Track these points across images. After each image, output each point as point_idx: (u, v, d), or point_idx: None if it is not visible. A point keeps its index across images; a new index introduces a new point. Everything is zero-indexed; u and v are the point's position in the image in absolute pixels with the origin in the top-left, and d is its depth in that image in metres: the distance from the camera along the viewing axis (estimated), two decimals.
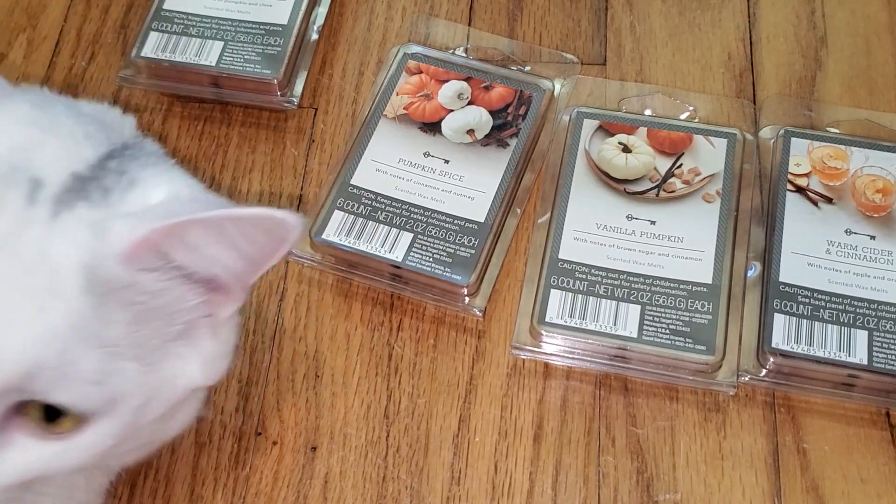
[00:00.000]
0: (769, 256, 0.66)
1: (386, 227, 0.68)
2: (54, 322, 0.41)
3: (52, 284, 0.41)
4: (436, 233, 0.67)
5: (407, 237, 0.67)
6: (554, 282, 0.66)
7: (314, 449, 0.63)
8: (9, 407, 0.42)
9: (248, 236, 0.44)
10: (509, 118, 0.73)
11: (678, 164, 0.70)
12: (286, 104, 0.76)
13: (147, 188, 0.46)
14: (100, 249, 0.42)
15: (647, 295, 0.65)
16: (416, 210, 0.68)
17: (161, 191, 0.46)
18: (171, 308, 0.45)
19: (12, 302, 0.41)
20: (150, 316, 0.44)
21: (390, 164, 0.71)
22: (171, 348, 0.46)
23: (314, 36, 0.79)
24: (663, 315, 0.64)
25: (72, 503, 0.53)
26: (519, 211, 0.70)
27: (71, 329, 0.41)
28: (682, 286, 0.65)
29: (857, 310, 0.63)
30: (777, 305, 0.64)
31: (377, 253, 0.67)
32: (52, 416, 0.43)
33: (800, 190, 0.69)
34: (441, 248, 0.67)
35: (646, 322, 0.63)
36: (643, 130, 0.72)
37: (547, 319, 0.64)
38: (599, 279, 0.65)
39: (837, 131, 0.72)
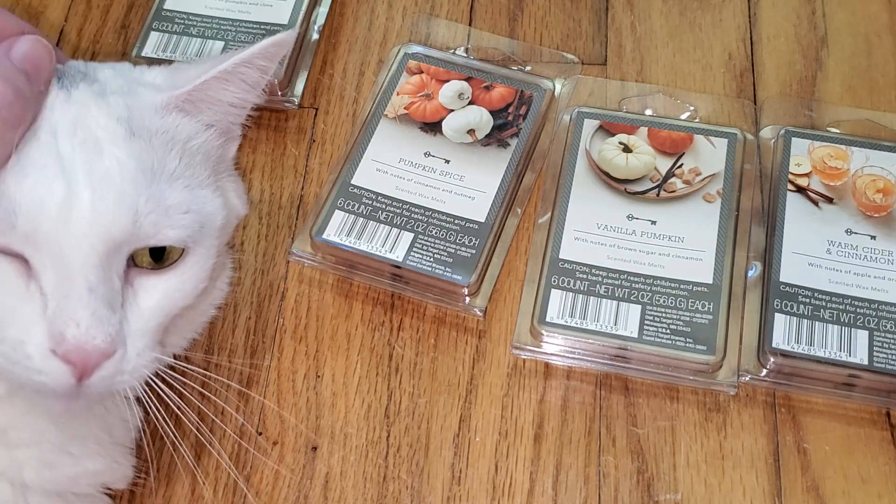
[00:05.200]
0: (770, 256, 0.66)
1: (386, 226, 0.68)
2: (125, 167, 0.47)
3: (102, 139, 0.48)
4: (436, 233, 0.67)
5: (407, 237, 0.67)
6: (554, 282, 0.66)
7: (315, 449, 0.63)
8: (126, 260, 0.48)
9: (256, 67, 0.52)
10: (510, 118, 0.73)
11: (679, 163, 0.70)
12: (287, 104, 0.76)
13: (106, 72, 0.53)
14: (129, 104, 0.49)
15: (647, 295, 0.65)
16: (416, 210, 0.68)
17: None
18: (203, 148, 0.52)
19: (82, 174, 0.46)
20: (192, 153, 0.51)
21: (391, 163, 0.71)
22: (217, 182, 0.54)
23: (315, 36, 0.79)
24: (664, 315, 0.64)
25: None
26: (519, 211, 0.70)
27: (140, 168, 0.48)
28: (682, 286, 0.65)
29: (858, 310, 0.63)
30: (778, 305, 0.64)
31: (378, 253, 0.67)
32: (157, 257, 0.49)
33: (800, 190, 0.69)
34: (442, 247, 0.67)
35: (646, 322, 0.63)
36: (644, 130, 0.72)
37: (547, 319, 0.64)
38: (600, 279, 0.65)
39: (838, 131, 0.72)
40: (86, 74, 0.51)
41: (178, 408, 0.53)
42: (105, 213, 0.46)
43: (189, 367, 0.54)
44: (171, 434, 0.53)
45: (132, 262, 0.49)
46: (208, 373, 0.61)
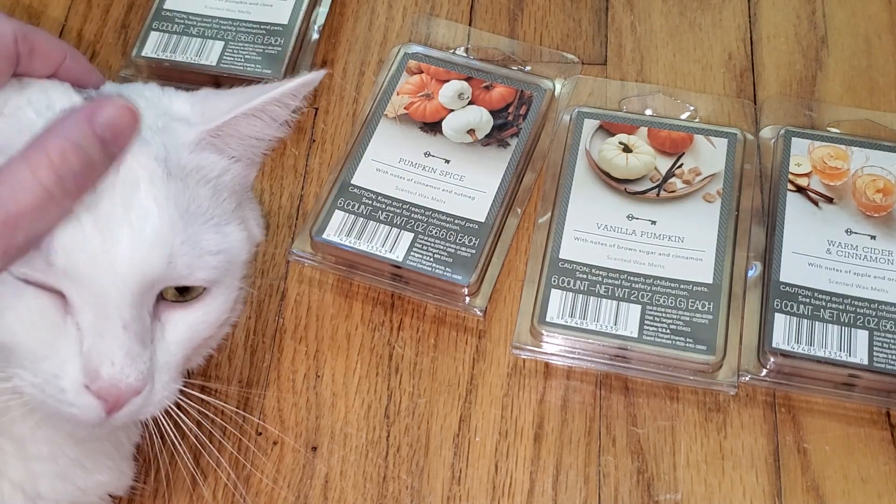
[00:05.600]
0: (770, 256, 0.66)
1: (386, 226, 0.68)
2: (163, 209, 0.47)
3: (140, 179, 0.47)
4: (436, 233, 0.67)
5: (407, 237, 0.67)
6: (554, 282, 0.66)
7: (315, 449, 0.63)
8: (156, 298, 0.49)
9: (284, 105, 0.52)
10: (510, 118, 0.73)
11: (679, 163, 0.70)
12: None
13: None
14: (166, 142, 0.48)
15: (647, 295, 0.65)
16: (416, 210, 0.68)
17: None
18: (230, 182, 0.52)
19: (120, 212, 0.46)
20: (221, 189, 0.51)
21: (391, 163, 0.71)
22: (241, 212, 0.53)
23: (315, 36, 0.79)
24: (664, 315, 0.64)
25: None
26: (519, 211, 0.70)
27: (178, 209, 0.47)
28: (682, 286, 0.65)
29: (858, 310, 0.63)
30: (778, 305, 0.64)
31: (378, 253, 0.67)
32: (181, 290, 0.50)
33: (800, 190, 0.69)
34: (442, 247, 0.67)
35: (646, 322, 0.63)
36: (644, 130, 0.72)
37: (547, 319, 0.64)
38: (600, 279, 0.65)
39: (838, 131, 0.72)
40: None
41: (178, 413, 0.53)
42: (143, 254, 0.46)
43: (188, 379, 0.54)
44: (170, 439, 0.53)
45: (159, 295, 0.49)
46: (208, 376, 0.61)
